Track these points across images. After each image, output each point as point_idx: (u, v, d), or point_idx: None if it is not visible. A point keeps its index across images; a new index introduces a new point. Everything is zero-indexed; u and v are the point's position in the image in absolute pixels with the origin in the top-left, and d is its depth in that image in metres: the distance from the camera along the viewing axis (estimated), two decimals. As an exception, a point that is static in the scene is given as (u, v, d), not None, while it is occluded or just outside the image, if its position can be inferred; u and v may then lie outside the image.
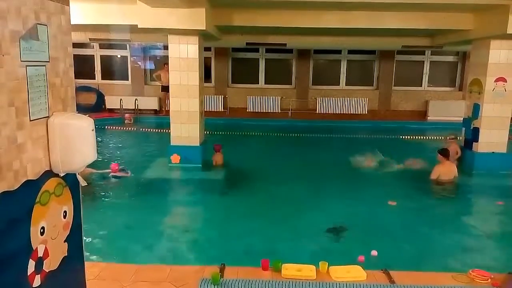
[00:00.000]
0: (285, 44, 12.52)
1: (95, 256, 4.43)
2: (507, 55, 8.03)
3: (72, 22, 2.35)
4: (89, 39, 12.67)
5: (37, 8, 2.00)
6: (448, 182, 7.62)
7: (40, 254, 2.05)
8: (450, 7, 7.73)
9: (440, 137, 11.97)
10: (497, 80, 8.14)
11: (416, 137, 12.34)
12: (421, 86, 16.31)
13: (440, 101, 15.67)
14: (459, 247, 5.16)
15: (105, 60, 16.34)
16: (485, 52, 8.16)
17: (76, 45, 13.05)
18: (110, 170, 7.66)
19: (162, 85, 14.69)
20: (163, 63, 15.17)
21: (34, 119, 1.99)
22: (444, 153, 7.74)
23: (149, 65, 16.27)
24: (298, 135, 12.41)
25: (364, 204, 6.50)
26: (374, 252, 4.74)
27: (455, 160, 8.45)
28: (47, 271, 2.11)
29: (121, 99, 14.97)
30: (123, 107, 14.89)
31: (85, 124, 2.20)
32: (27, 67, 1.92)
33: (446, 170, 7.64)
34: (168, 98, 14.50)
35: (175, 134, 8.43)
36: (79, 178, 2.41)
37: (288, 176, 8.10)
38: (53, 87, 2.16)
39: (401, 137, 12.37)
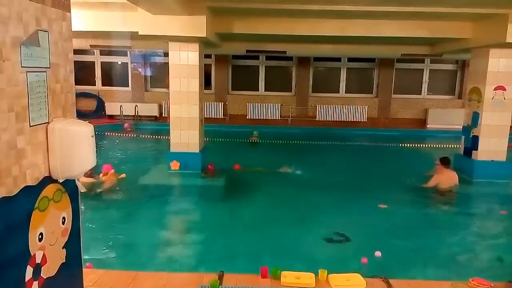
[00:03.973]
0: (285, 52, 12.56)
1: (92, 262, 4.40)
2: (506, 64, 8.06)
3: (73, 29, 2.36)
4: (90, 45, 12.71)
5: (39, 14, 2.01)
6: (448, 190, 7.61)
7: (38, 260, 2.04)
8: (449, 16, 7.78)
9: (440, 145, 12.01)
10: (496, 88, 8.16)
11: (416, 145, 12.34)
12: (420, 94, 16.35)
13: (440, 109, 15.70)
14: (459, 255, 5.14)
15: (106, 66, 16.40)
16: (484, 61, 8.19)
17: (76, 52, 13.11)
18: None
19: None
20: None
21: (34, 125, 1.99)
22: (444, 161, 7.73)
23: (149, 72, 16.33)
24: (298, 142, 12.42)
25: (363, 211, 6.49)
26: (377, 253, 4.83)
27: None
28: (45, 277, 2.10)
29: (121, 106, 15.00)
30: (123, 114, 14.92)
31: (85, 130, 2.20)
32: (27, 73, 1.93)
33: (446, 178, 7.63)
34: None
35: (174, 141, 8.43)
36: (78, 184, 2.40)
37: (287, 183, 8.09)
38: (53, 93, 2.17)
39: (400, 145, 12.37)
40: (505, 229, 6.22)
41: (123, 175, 7.77)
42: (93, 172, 7.07)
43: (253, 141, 12.38)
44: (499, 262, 4.85)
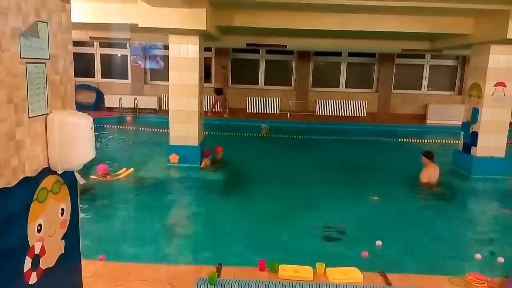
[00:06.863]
0: (285, 46, 12.52)
1: (91, 255, 4.42)
2: (507, 60, 8.05)
3: (73, 20, 2.35)
4: (90, 37, 12.66)
5: (38, 5, 2.00)
6: (435, 184, 7.68)
7: (37, 251, 2.05)
8: (450, 11, 7.74)
9: (440, 141, 12.02)
10: (496, 84, 8.15)
11: (415, 141, 12.34)
12: (420, 89, 16.35)
13: (440, 105, 15.70)
14: (456, 250, 5.16)
15: (105, 58, 16.35)
16: (485, 57, 8.17)
17: (76, 43, 13.03)
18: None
19: (215, 88, 14.86)
20: (220, 66, 15.42)
21: (33, 116, 1.99)
22: (429, 155, 7.78)
23: (149, 65, 16.29)
24: (297, 136, 12.42)
25: (361, 206, 6.52)
26: (378, 242, 4.89)
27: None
28: (43, 268, 2.11)
29: (120, 98, 14.97)
30: (123, 106, 14.90)
31: (84, 122, 2.20)
32: (26, 64, 1.92)
33: (432, 172, 7.71)
34: (220, 101, 14.90)
35: (174, 134, 8.42)
36: (77, 176, 2.41)
37: (287, 177, 8.11)
38: (53, 84, 2.17)
39: (399, 140, 12.38)
40: (502, 224, 6.24)
41: (131, 170, 7.78)
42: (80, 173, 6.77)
43: (263, 134, 12.37)
44: (494, 257, 4.86)
